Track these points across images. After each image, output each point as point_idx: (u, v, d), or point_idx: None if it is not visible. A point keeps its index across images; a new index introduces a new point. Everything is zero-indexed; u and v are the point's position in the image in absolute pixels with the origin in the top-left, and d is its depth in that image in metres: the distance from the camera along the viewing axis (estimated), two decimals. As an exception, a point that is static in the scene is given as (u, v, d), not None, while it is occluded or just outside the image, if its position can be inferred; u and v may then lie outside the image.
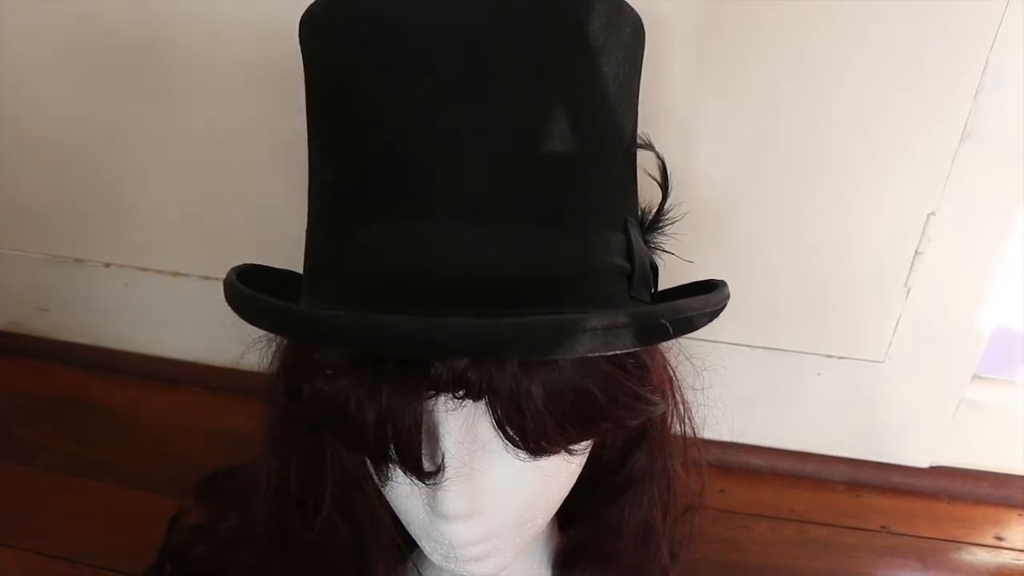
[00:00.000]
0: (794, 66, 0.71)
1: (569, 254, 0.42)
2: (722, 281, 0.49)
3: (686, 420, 0.57)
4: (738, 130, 0.75)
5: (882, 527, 0.85)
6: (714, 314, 0.45)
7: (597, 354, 0.38)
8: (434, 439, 0.45)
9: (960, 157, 0.73)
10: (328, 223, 0.45)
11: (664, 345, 0.53)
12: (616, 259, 0.44)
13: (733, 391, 0.81)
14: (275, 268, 0.53)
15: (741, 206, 0.79)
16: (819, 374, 0.86)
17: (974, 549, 0.83)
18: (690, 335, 0.44)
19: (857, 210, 0.77)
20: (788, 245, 0.80)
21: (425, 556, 0.52)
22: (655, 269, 0.50)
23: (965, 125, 0.71)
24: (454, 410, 0.43)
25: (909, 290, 0.80)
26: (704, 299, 0.44)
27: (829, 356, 0.86)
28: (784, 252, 0.80)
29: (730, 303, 0.47)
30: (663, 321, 0.40)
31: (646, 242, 0.50)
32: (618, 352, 0.39)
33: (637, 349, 0.43)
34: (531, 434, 0.42)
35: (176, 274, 0.98)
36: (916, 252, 0.78)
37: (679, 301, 0.43)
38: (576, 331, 0.36)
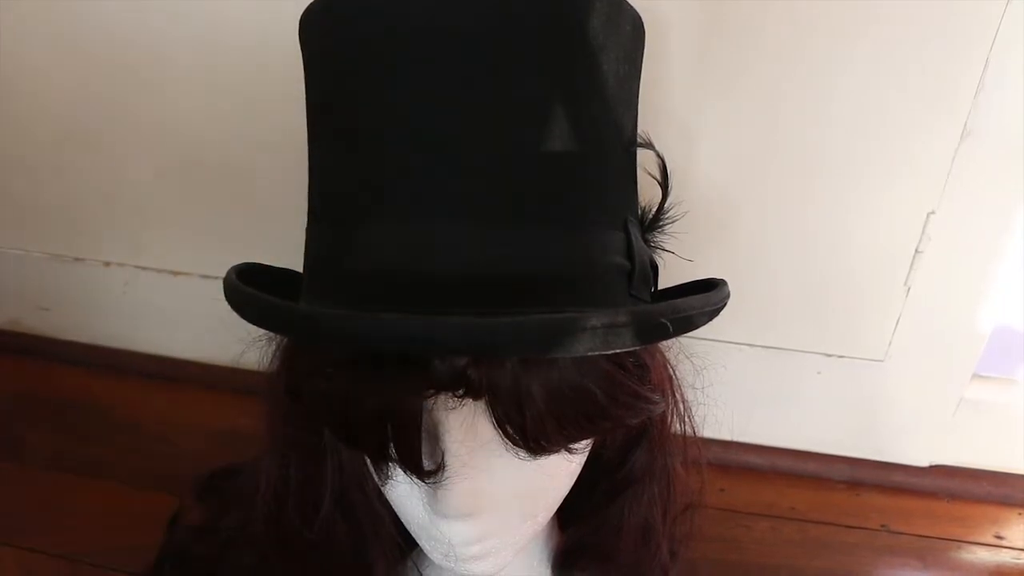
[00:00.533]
0: (794, 66, 0.71)
1: (569, 253, 0.42)
2: (722, 280, 0.49)
3: (686, 419, 0.57)
4: (738, 130, 0.75)
5: (882, 526, 0.85)
6: (714, 312, 0.45)
7: (597, 353, 0.38)
8: (434, 438, 0.45)
9: (960, 156, 0.73)
10: (328, 222, 0.45)
11: (664, 344, 0.53)
12: (616, 258, 0.44)
13: (733, 390, 0.81)
14: (275, 267, 0.53)
15: (741, 205, 0.79)
16: (819, 373, 0.86)
17: (974, 548, 0.83)
18: (690, 334, 0.44)
19: (857, 209, 0.77)
20: (788, 244, 0.80)
21: (425, 555, 0.52)
22: (655, 268, 0.50)
23: (965, 124, 0.71)
24: (454, 409, 0.43)
25: (909, 289, 0.80)
26: (704, 298, 0.44)
27: (829, 355, 0.86)
28: (784, 251, 0.80)
29: (730, 302, 0.47)
30: (663, 320, 0.40)
31: (646, 241, 0.50)
32: (618, 351, 0.39)
33: (637, 348, 0.43)
34: (531, 433, 0.42)
35: (176, 273, 0.98)
36: (916, 251, 0.78)
37: (679, 300, 0.43)
38: (576, 330, 0.36)
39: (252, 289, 0.43)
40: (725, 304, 0.46)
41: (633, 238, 0.46)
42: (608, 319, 0.37)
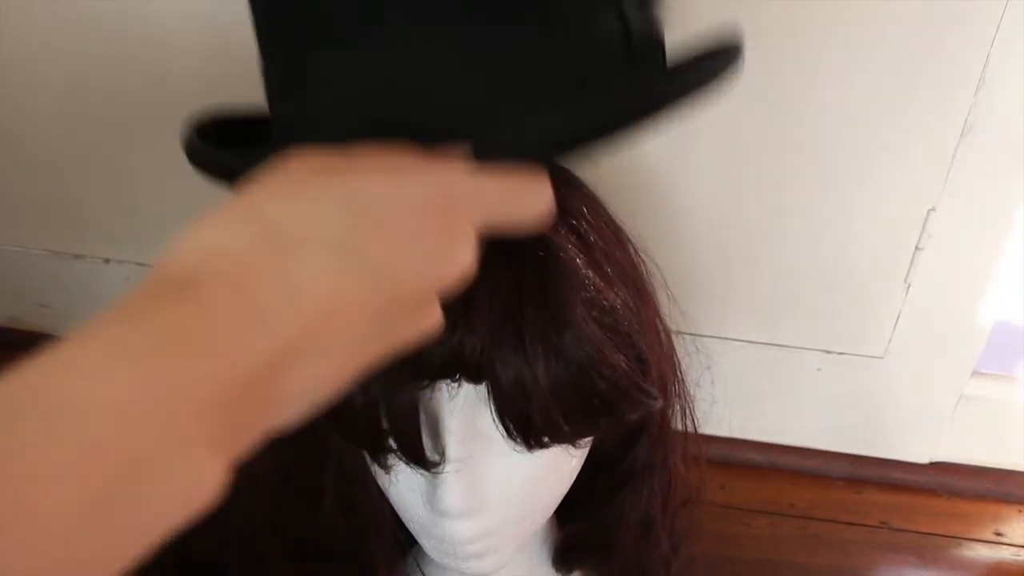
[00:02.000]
0: (793, 63, 0.71)
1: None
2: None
3: (687, 414, 0.57)
4: (737, 127, 0.75)
5: (882, 523, 0.85)
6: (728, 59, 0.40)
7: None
8: (434, 430, 0.45)
9: (960, 153, 0.73)
10: (279, 59, 0.42)
11: (663, 340, 0.53)
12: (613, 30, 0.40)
13: (733, 387, 0.81)
14: (244, 109, 0.50)
15: (741, 203, 0.78)
16: (819, 370, 0.86)
17: (974, 545, 0.83)
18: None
19: (857, 206, 0.77)
20: (788, 241, 0.80)
21: (427, 554, 0.52)
22: (661, 41, 0.45)
23: (965, 121, 0.71)
24: (453, 398, 0.43)
25: (909, 286, 0.80)
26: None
27: (829, 352, 0.86)
28: (784, 248, 0.80)
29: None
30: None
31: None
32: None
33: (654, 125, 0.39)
34: (530, 422, 0.42)
35: (175, 271, 0.97)
36: (916, 248, 0.78)
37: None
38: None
39: (209, 145, 0.41)
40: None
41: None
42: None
